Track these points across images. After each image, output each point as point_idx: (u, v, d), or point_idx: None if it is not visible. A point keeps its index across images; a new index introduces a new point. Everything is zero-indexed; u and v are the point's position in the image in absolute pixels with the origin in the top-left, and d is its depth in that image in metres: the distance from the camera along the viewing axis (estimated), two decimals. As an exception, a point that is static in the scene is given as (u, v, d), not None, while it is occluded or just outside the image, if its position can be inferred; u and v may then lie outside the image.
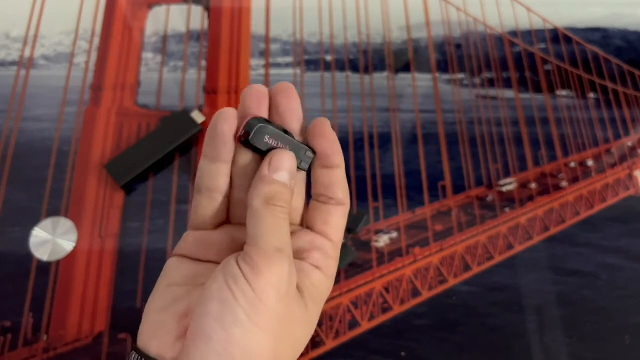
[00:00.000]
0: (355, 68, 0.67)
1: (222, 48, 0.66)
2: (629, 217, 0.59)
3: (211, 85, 0.64)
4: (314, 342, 0.51)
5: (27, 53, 0.65)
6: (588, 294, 0.54)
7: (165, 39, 0.67)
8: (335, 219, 0.29)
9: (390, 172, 0.60)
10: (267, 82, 0.65)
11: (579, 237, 0.58)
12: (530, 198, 0.60)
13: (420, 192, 0.59)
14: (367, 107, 0.64)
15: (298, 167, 0.28)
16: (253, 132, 0.27)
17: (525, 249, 0.57)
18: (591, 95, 0.68)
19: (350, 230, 0.56)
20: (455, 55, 0.69)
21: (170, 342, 0.25)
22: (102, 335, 0.50)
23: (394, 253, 0.56)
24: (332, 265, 0.29)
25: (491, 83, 0.68)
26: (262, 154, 0.28)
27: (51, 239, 0.54)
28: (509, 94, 0.67)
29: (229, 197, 0.29)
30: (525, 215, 0.59)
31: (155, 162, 0.57)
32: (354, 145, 0.61)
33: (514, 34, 0.71)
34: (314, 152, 0.28)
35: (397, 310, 0.53)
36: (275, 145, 0.27)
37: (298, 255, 0.28)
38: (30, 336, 0.50)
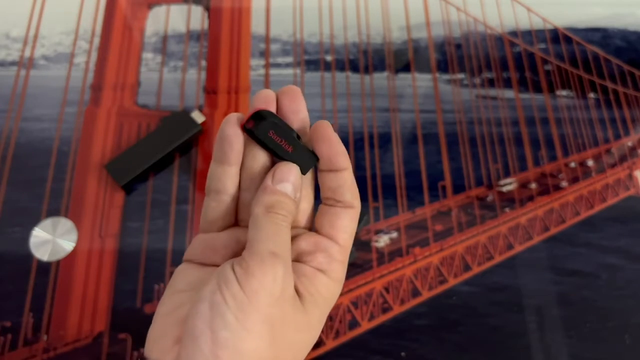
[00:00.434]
0: (355, 68, 0.67)
1: (222, 48, 0.66)
2: (629, 217, 0.59)
3: (211, 85, 0.64)
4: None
5: (27, 53, 0.65)
6: (588, 294, 0.54)
7: (165, 39, 0.67)
8: (342, 221, 0.28)
9: (390, 172, 0.60)
10: (267, 82, 0.65)
11: (579, 237, 0.58)
12: (530, 198, 0.60)
13: (420, 192, 0.59)
14: (367, 107, 0.64)
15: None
16: (259, 124, 0.27)
17: (525, 249, 0.57)
18: (591, 95, 0.68)
19: (350, 230, 0.55)
20: (455, 55, 0.69)
21: (168, 347, 0.25)
22: (102, 335, 0.50)
23: (394, 253, 0.56)
24: (338, 269, 0.28)
25: (491, 83, 0.68)
26: (265, 147, 0.28)
27: (51, 239, 0.54)
28: (509, 94, 0.67)
29: (236, 200, 0.29)
30: (525, 215, 0.59)
31: (155, 162, 0.57)
32: (354, 145, 0.61)
33: (514, 34, 0.71)
34: (317, 158, 0.28)
35: (397, 310, 0.53)
36: (278, 141, 0.27)
37: (300, 258, 0.27)
38: (30, 336, 0.50)
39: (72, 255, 0.53)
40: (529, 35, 0.71)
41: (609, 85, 0.69)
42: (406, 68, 0.67)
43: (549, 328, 0.52)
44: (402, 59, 0.68)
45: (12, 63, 0.64)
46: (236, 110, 0.62)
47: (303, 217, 0.29)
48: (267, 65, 0.66)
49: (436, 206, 0.59)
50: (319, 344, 0.51)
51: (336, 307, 0.52)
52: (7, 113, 0.61)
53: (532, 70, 0.69)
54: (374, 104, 0.64)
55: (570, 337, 0.52)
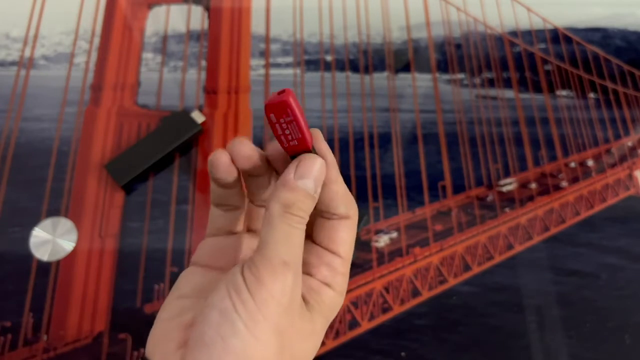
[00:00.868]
0: (355, 68, 0.67)
1: (222, 48, 0.66)
2: (629, 217, 0.59)
3: (211, 85, 0.64)
4: (314, 342, 0.51)
5: (27, 53, 0.65)
6: (588, 294, 0.54)
7: (165, 39, 0.67)
8: (341, 234, 0.28)
9: (390, 172, 0.60)
10: (267, 82, 0.65)
11: (579, 237, 0.58)
12: (530, 198, 0.60)
13: (420, 192, 0.59)
14: (367, 107, 0.64)
15: None
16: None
17: (525, 249, 0.57)
18: (591, 95, 0.68)
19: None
20: (455, 55, 0.69)
21: (171, 351, 0.25)
22: (102, 335, 0.50)
23: (394, 253, 0.56)
24: (341, 282, 0.28)
25: (491, 83, 0.68)
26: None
27: (51, 239, 0.54)
28: (509, 94, 0.67)
29: (244, 211, 0.29)
30: (525, 215, 0.59)
31: (155, 162, 0.57)
32: (354, 145, 0.61)
33: (514, 34, 0.71)
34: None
35: (397, 310, 0.53)
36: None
37: (307, 270, 0.27)
38: (30, 336, 0.50)
39: (72, 255, 0.53)
40: (529, 35, 0.71)
41: (609, 85, 0.69)
42: (406, 68, 0.67)
43: (549, 328, 0.52)
44: (402, 59, 0.68)
45: (12, 63, 0.64)
46: (236, 111, 0.62)
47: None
48: (267, 65, 0.66)
49: (436, 206, 0.59)
50: (319, 344, 0.50)
51: (336, 307, 0.52)
52: (7, 113, 0.61)
53: (532, 70, 0.69)
54: (374, 104, 0.64)
55: (570, 337, 0.52)
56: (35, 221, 0.54)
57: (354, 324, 0.52)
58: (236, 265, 0.25)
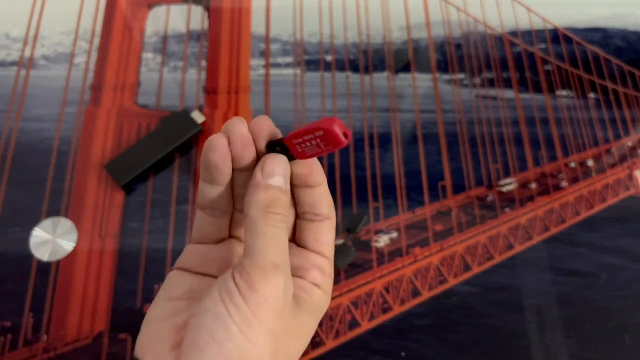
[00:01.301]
0: (355, 68, 0.67)
1: (222, 48, 0.66)
2: (629, 217, 0.59)
3: (211, 85, 0.64)
4: (314, 342, 0.51)
5: (27, 53, 0.65)
6: (588, 294, 0.54)
7: (165, 39, 0.67)
8: (325, 236, 0.28)
9: (390, 172, 0.60)
10: (267, 82, 0.65)
11: (579, 237, 0.58)
12: (530, 198, 0.60)
13: (420, 192, 0.59)
14: (367, 107, 0.64)
15: None
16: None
17: (525, 249, 0.57)
18: (591, 95, 0.68)
19: (350, 230, 0.56)
20: (455, 55, 0.69)
21: (165, 352, 0.25)
22: (102, 335, 0.50)
23: (394, 253, 0.56)
24: (329, 282, 0.28)
25: (491, 83, 0.68)
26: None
27: (51, 239, 0.54)
28: (509, 94, 0.67)
29: (230, 215, 0.29)
30: (525, 215, 0.59)
31: (155, 162, 0.57)
32: (354, 145, 0.61)
33: (514, 34, 0.71)
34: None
35: (397, 310, 0.53)
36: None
37: (298, 273, 0.28)
38: (30, 336, 0.50)
39: (72, 255, 0.53)
40: (529, 35, 0.71)
41: (609, 85, 0.69)
42: (406, 68, 0.67)
43: (549, 328, 0.52)
44: (402, 59, 0.68)
45: (12, 63, 0.64)
46: (236, 111, 0.62)
47: (289, 228, 0.29)
48: (267, 65, 0.66)
49: (436, 206, 0.59)
50: (318, 343, 0.51)
51: (336, 307, 0.52)
52: (7, 113, 0.61)
53: (532, 70, 0.69)
54: (374, 104, 0.64)
55: (570, 337, 0.52)
56: (35, 221, 0.54)
57: (354, 324, 0.52)
58: (227, 270, 0.26)
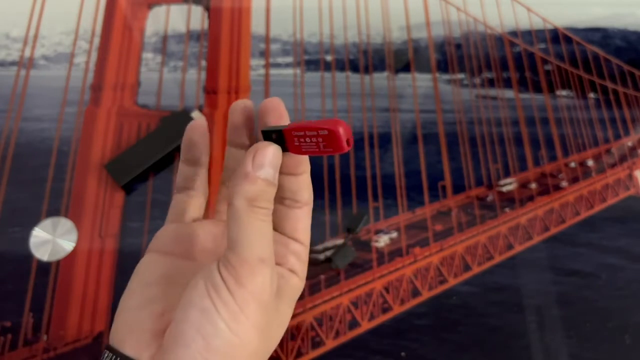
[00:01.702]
0: (355, 68, 0.67)
1: (222, 48, 0.66)
2: (629, 217, 0.59)
3: (211, 85, 0.64)
4: (314, 342, 0.51)
5: (27, 53, 0.65)
6: (588, 294, 0.54)
7: (165, 39, 0.67)
8: (303, 223, 0.28)
9: (390, 172, 0.60)
10: (267, 82, 0.65)
11: (579, 237, 0.58)
12: (530, 198, 0.60)
13: (420, 192, 0.59)
14: (367, 107, 0.64)
15: None
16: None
17: (525, 249, 0.57)
18: (591, 95, 0.68)
19: (350, 230, 0.56)
20: (455, 55, 0.69)
21: (146, 341, 0.25)
22: (102, 335, 0.50)
23: (394, 253, 0.56)
24: (304, 269, 0.29)
25: (491, 83, 0.68)
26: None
27: (51, 239, 0.54)
28: (509, 94, 0.67)
29: (207, 196, 0.30)
30: (525, 215, 0.59)
31: (155, 162, 0.57)
32: (354, 146, 0.61)
33: (514, 34, 0.71)
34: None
35: (397, 310, 0.53)
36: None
37: (276, 260, 0.27)
38: (30, 336, 0.49)
39: (72, 255, 0.53)
40: (529, 35, 0.71)
41: (609, 85, 0.69)
42: (406, 68, 0.67)
43: (549, 328, 0.52)
44: (402, 59, 0.68)
45: (12, 63, 0.64)
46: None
47: None
48: (267, 65, 0.66)
49: (436, 206, 0.59)
50: (318, 343, 0.51)
51: (336, 307, 0.52)
52: (7, 113, 0.61)
53: (532, 70, 0.69)
54: (374, 104, 0.64)
55: (570, 337, 0.52)
56: (35, 221, 0.54)
57: (354, 324, 0.52)
58: (212, 263, 0.25)
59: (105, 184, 0.57)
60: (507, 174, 0.61)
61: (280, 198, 0.28)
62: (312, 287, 0.52)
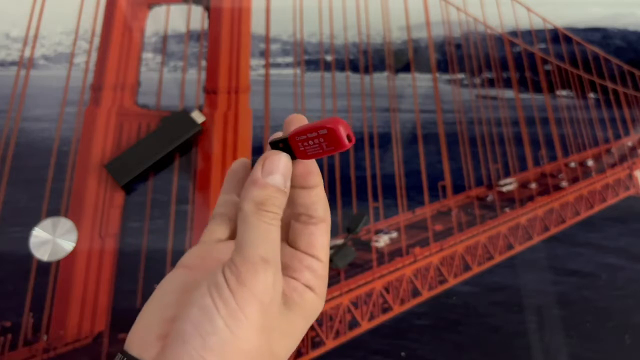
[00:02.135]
0: (355, 68, 0.67)
1: (222, 48, 0.66)
2: (629, 217, 0.59)
3: (211, 85, 0.64)
4: (314, 342, 0.51)
5: (27, 53, 0.65)
6: (588, 294, 0.54)
7: (165, 39, 0.67)
8: (319, 239, 0.28)
9: (390, 172, 0.60)
10: (267, 82, 0.65)
11: (579, 237, 0.58)
12: (530, 198, 0.60)
13: (420, 192, 0.59)
14: (367, 107, 0.64)
15: None
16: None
17: (525, 249, 0.57)
18: (591, 95, 0.68)
19: (350, 230, 0.56)
20: (455, 55, 0.69)
21: (150, 342, 0.25)
22: (102, 335, 0.50)
23: (394, 253, 0.56)
24: (322, 285, 0.28)
25: (491, 83, 0.68)
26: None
27: (51, 239, 0.54)
28: (509, 94, 0.67)
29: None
30: (525, 215, 0.59)
31: (155, 162, 0.57)
32: (354, 146, 0.61)
33: (514, 34, 0.71)
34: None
35: (397, 310, 0.53)
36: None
37: (290, 273, 0.27)
38: (30, 336, 0.50)
39: (72, 255, 0.53)
40: (529, 35, 0.71)
41: (609, 85, 0.69)
42: (406, 68, 0.67)
43: (549, 328, 0.52)
44: (402, 59, 0.68)
45: (12, 63, 0.64)
46: (236, 111, 0.62)
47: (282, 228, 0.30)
48: (267, 65, 0.66)
49: (436, 206, 0.59)
50: (318, 343, 0.51)
51: (336, 307, 0.52)
52: (7, 113, 0.61)
53: (532, 70, 0.69)
54: (374, 104, 0.64)
55: (570, 337, 0.52)
56: (35, 221, 0.54)
57: (354, 324, 0.52)
58: (218, 266, 0.26)
59: (105, 184, 0.57)
60: (507, 174, 0.61)
61: (296, 214, 0.28)
62: (312, 287, 0.52)
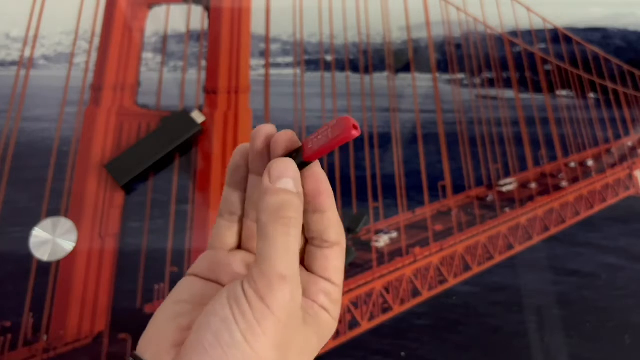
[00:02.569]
0: (355, 68, 0.67)
1: (222, 48, 0.66)
2: (629, 217, 0.59)
3: (211, 85, 0.64)
4: (314, 342, 0.51)
5: (27, 53, 0.65)
6: (588, 294, 0.54)
7: (165, 39, 0.67)
8: (333, 262, 0.28)
9: (390, 172, 0.60)
10: (267, 82, 0.65)
11: (579, 237, 0.58)
12: (530, 198, 0.60)
13: (420, 192, 0.59)
14: (367, 107, 0.64)
15: None
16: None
17: (525, 249, 0.57)
18: (591, 95, 0.68)
19: (350, 230, 0.56)
20: (455, 55, 0.69)
21: (165, 349, 0.25)
22: (102, 335, 0.50)
23: (394, 253, 0.56)
24: (336, 309, 0.28)
25: (491, 83, 0.68)
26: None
27: (51, 239, 0.54)
28: (509, 94, 0.67)
29: (241, 220, 0.30)
30: (525, 215, 0.59)
31: (155, 162, 0.57)
32: (354, 145, 0.61)
33: (514, 34, 0.71)
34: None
35: (397, 310, 0.53)
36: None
37: (306, 295, 0.27)
38: (30, 336, 0.50)
39: (72, 255, 0.53)
40: (529, 35, 0.71)
41: (609, 85, 0.69)
42: (406, 68, 0.67)
43: (549, 328, 0.52)
44: (402, 59, 0.68)
45: (12, 63, 0.64)
46: (236, 111, 0.62)
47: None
48: (267, 65, 0.66)
49: (436, 206, 0.59)
50: (319, 344, 0.50)
51: (336, 307, 0.52)
52: (7, 113, 0.61)
53: (532, 70, 0.69)
54: (374, 104, 0.64)
55: (570, 337, 0.52)
56: (35, 221, 0.54)
57: (354, 324, 0.52)
58: (236, 277, 0.26)
59: (105, 184, 0.57)
60: (507, 174, 0.61)
61: (310, 238, 0.28)
62: (312, 287, 0.52)
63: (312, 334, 0.27)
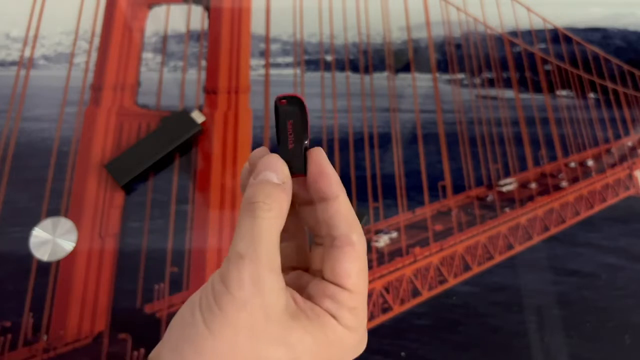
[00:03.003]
0: (355, 68, 0.67)
1: (222, 48, 0.66)
2: (629, 217, 0.59)
3: (211, 85, 0.64)
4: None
5: (27, 53, 0.65)
6: (588, 294, 0.54)
7: (165, 39, 0.67)
8: (344, 265, 0.25)
9: (390, 172, 0.60)
10: (267, 82, 0.65)
11: (579, 237, 0.58)
12: (530, 198, 0.60)
13: (420, 192, 0.59)
14: (367, 107, 0.64)
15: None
16: (288, 107, 0.27)
17: (525, 249, 0.57)
18: (591, 95, 0.68)
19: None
20: (455, 55, 0.69)
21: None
22: (102, 335, 0.50)
23: (394, 253, 0.56)
24: (350, 317, 0.25)
25: (491, 83, 0.68)
26: (276, 126, 0.27)
27: (51, 239, 0.54)
28: (509, 94, 0.67)
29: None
30: (525, 215, 0.59)
31: (155, 162, 0.57)
32: (354, 145, 0.61)
33: (514, 34, 0.71)
34: (305, 171, 0.26)
35: (397, 310, 0.53)
36: (288, 132, 0.27)
37: (311, 298, 0.26)
38: (30, 336, 0.49)
39: (72, 255, 0.53)
40: (529, 35, 0.71)
41: (609, 85, 0.69)
42: (406, 68, 0.67)
43: (549, 328, 0.52)
44: (402, 59, 0.68)
45: (12, 63, 0.64)
46: (236, 111, 0.62)
47: (301, 254, 0.29)
48: (267, 65, 0.66)
49: (436, 206, 0.59)
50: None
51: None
52: (7, 113, 0.61)
53: (532, 70, 0.69)
54: (374, 104, 0.64)
55: (570, 337, 0.52)
56: (35, 221, 0.54)
57: (354, 324, 0.52)
58: None
59: (105, 184, 0.57)
60: (507, 174, 0.61)
61: (320, 236, 0.27)
62: (312, 287, 0.52)
63: (304, 333, 0.24)
